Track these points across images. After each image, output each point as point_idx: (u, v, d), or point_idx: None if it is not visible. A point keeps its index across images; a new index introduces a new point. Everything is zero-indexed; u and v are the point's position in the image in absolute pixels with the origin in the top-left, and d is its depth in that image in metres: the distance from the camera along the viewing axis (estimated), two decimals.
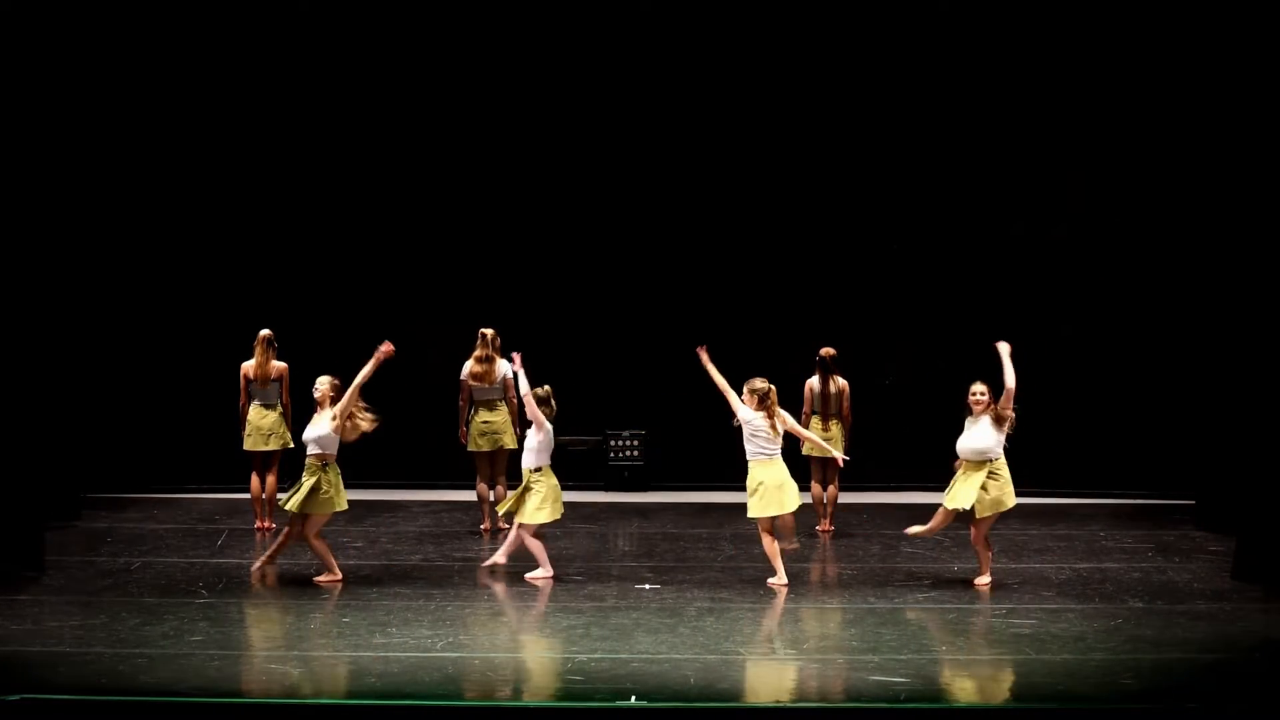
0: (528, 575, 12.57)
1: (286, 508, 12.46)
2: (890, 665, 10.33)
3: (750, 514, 12.48)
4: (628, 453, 17.28)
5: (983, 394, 12.34)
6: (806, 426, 14.69)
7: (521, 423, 14.50)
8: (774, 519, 12.45)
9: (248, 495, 14.69)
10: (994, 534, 13.98)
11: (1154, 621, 11.42)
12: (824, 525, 14.80)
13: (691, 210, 17.23)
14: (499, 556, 12.89)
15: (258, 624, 11.71)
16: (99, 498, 15.65)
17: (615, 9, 16.87)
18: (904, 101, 16.97)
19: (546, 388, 12.78)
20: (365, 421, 12.50)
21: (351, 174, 17.15)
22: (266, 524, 14.54)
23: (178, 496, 16.26)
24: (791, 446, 14.82)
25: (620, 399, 17.36)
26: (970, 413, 12.39)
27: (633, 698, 9.55)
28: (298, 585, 12.48)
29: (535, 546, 12.58)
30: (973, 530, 12.46)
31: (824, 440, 14.62)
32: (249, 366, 14.47)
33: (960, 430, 12.43)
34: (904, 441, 16.87)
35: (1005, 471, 12.31)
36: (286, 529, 12.62)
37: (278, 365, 14.47)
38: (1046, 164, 16.84)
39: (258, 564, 12.81)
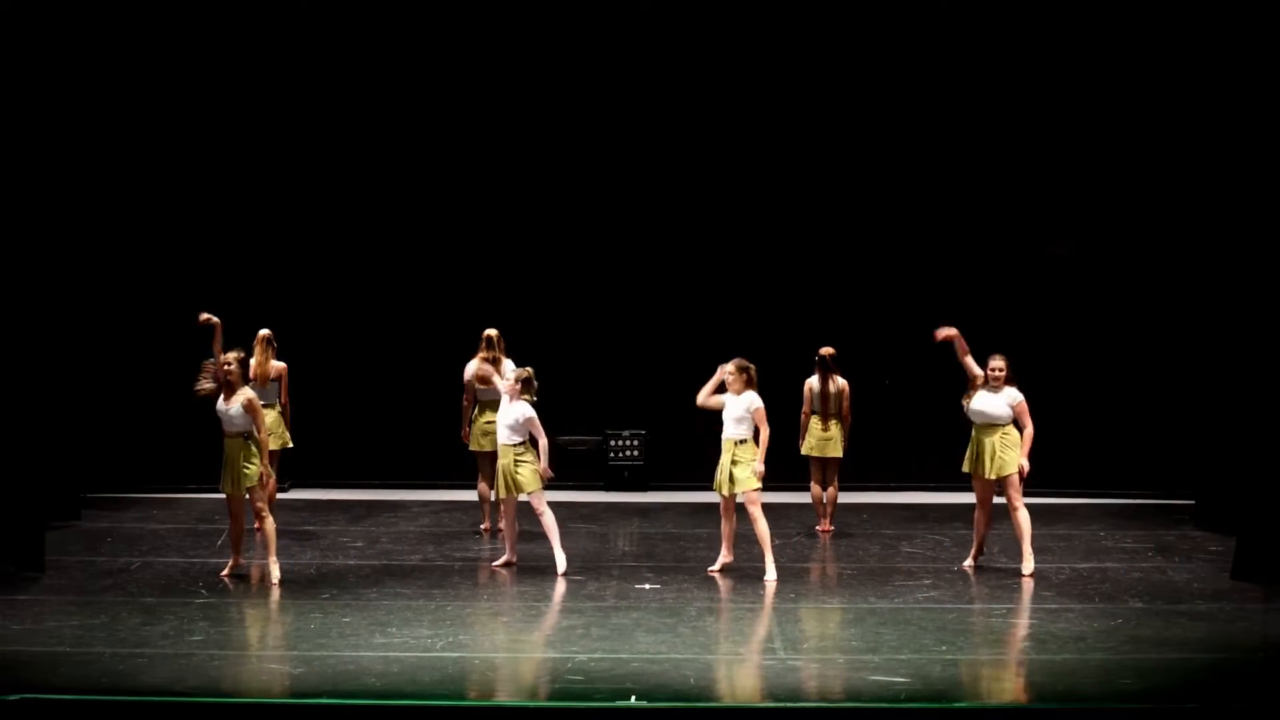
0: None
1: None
2: (890, 665, 10.32)
3: None
4: (628, 453, 17.26)
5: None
6: (806, 426, 14.68)
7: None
8: None
9: None
10: (994, 534, 13.99)
11: (1154, 621, 11.42)
12: (824, 525, 14.79)
13: (692, 211, 17.19)
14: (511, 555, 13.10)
15: (258, 624, 11.71)
16: (99, 498, 15.64)
17: (615, 10, 16.85)
18: (902, 102, 16.92)
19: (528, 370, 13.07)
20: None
21: (353, 174, 17.12)
22: None
23: (178, 496, 16.23)
24: (790, 445, 14.84)
25: (620, 399, 17.36)
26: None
27: (633, 698, 9.55)
28: (298, 585, 12.48)
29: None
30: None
31: (824, 440, 14.62)
32: (248, 366, 14.44)
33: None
34: (904, 441, 16.86)
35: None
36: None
37: (277, 365, 14.46)
38: (1047, 169, 16.82)
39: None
